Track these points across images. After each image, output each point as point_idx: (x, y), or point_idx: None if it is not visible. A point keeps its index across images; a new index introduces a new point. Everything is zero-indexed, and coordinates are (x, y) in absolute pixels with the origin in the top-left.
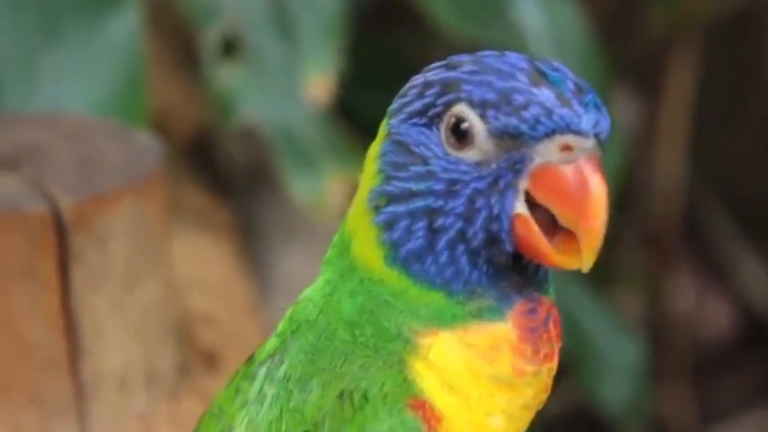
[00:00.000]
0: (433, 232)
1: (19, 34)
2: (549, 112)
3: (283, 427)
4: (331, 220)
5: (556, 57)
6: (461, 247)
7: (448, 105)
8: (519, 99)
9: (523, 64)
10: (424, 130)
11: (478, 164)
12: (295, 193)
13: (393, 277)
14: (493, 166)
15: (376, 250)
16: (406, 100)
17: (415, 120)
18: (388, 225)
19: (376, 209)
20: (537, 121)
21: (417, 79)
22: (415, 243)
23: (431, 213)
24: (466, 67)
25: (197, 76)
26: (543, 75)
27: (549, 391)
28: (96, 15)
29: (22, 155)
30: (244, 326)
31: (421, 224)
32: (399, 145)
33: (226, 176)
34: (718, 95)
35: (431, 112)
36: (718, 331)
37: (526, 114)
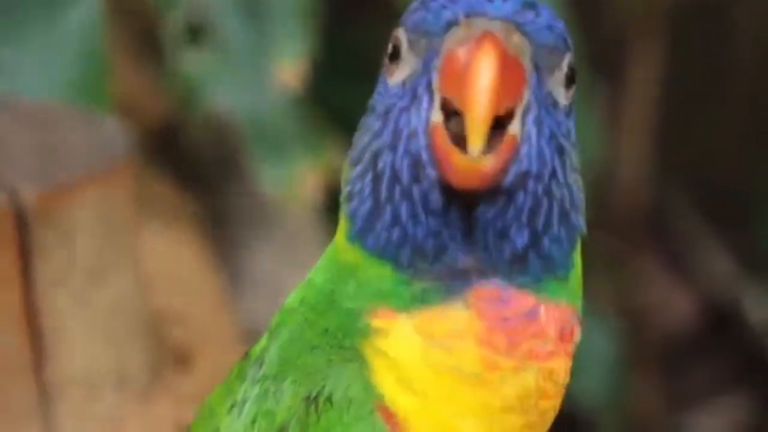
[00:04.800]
0: (376, 182)
1: None
2: (454, 1)
3: (256, 431)
4: (303, 210)
5: None
6: (397, 190)
7: (395, 31)
8: None
9: None
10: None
11: (404, 83)
12: (265, 182)
13: (351, 252)
14: (414, 77)
15: (343, 225)
16: None
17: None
18: (349, 193)
19: (344, 184)
20: (442, 7)
21: None
22: (366, 205)
23: (373, 155)
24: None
25: (163, 65)
26: None
27: (556, 400)
28: (55, 2)
29: None
30: (215, 323)
31: (369, 177)
32: (378, 86)
33: (193, 168)
34: (684, 85)
35: (390, 44)
36: (683, 321)
37: (432, 3)
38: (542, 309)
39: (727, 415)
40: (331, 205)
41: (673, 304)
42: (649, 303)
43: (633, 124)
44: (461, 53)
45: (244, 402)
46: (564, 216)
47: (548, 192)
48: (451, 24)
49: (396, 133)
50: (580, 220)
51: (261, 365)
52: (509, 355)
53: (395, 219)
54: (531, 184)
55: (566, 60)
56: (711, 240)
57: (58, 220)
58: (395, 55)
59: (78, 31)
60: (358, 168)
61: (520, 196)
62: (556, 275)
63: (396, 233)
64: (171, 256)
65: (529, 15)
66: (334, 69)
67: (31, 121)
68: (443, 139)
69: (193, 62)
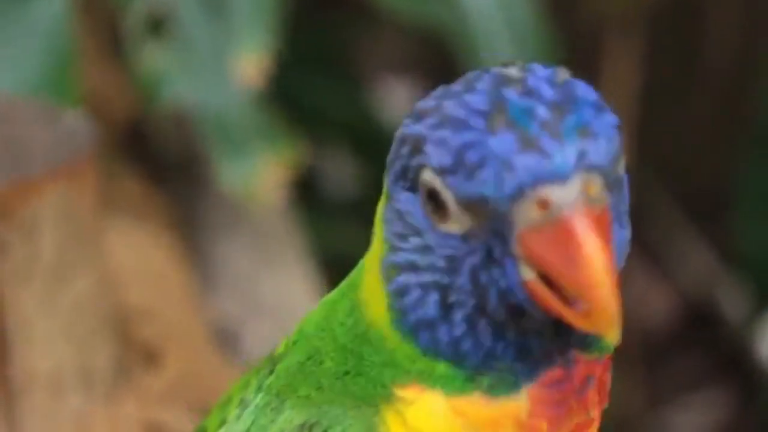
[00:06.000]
0: (447, 307)
1: None
2: (508, 166)
3: None
4: (265, 208)
5: (506, 38)
6: (482, 322)
7: (418, 171)
8: (473, 157)
9: (482, 103)
10: (410, 196)
11: (464, 237)
12: (225, 179)
13: (394, 340)
14: (480, 236)
15: (386, 314)
16: (390, 156)
17: (401, 183)
18: (400, 293)
19: (389, 279)
20: (498, 179)
21: (398, 131)
22: (427, 312)
23: (443, 288)
24: (429, 119)
25: (126, 60)
26: (504, 110)
27: None
28: None
29: None
30: (184, 319)
31: (435, 297)
32: (397, 213)
33: (162, 164)
34: (661, 82)
35: (410, 176)
36: (661, 317)
37: (483, 174)
38: (592, 379)
39: (706, 411)
40: (303, 200)
41: (652, 301)
42: (627, 299)
43: None
44: (551, 239)
45: (247, 404)
46: (627, 251)
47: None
48: (516, 197)
49: (479, 288)
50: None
51: (271, 372)
52: None
53: (471, 334)
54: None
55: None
56: (689, 236)
57: (20, 217)
58: (436, 202)
59: (45, 25)
60: (413, 279)
61: None
62: None
63: (467, 345)
64: (140, 253)
65: (590, 144)
66: (303, 66)
67: None
68: (549, 298)
69: (153, 57)
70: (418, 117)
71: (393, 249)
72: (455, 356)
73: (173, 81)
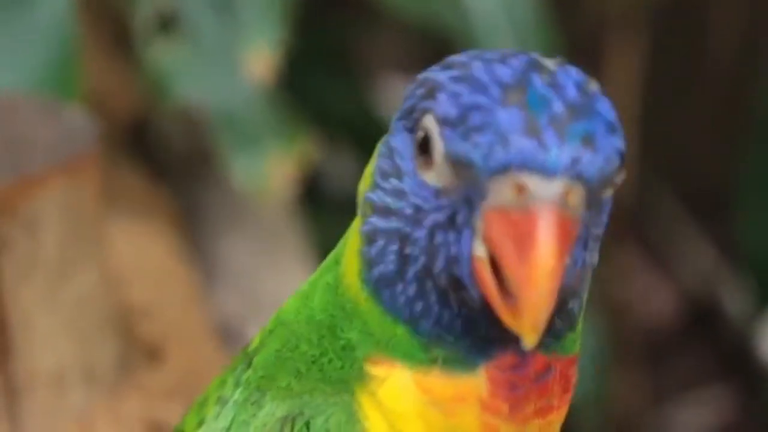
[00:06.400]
0: (403, 260)
1: None
2: (505, 141)
3: None
4: (278, 202)
5: (508, 37)
6: (429, 283)
7: (423, 113)
8: (476, 119)
9: (508, 77)
10: (406, 136)
11: (438, 191)
12: (235, 175)
13: (361, 294)
14: (452, 196)
15: (356, 260)
16: (405, 93)
17: (403, 121)
18: (369, 238)
19: (364, 216)
20: (490, 149)
21: (421, 74)
22: (387, 266)
23: (402, 238)
24: (453, 71)
25: (134, 58)
26: (524, 91)
27: None
28: None
29: None
30: (187, 317)
31: (394, 247)
32: (389, 149)
33: (166, 161)
34: (664, 80)
35: (414, 116)
36: (664, 315)
37: (479, 139)
38: (552, 370)
39: (708, 408)
40: (305, 198)
41: (654, 299)
42: (630, 297)
43: None
44: (514, 224)
45: (226, 401)
46: (588, 276)
47: (582, 278)
48: (499, 172)
49: (432, 246)
50: (597, 258)
51: (248, 366)
52: (510, 419)
53: (421, 296)
54: (567, 289)
55: (620, 175)
56: (691, 235)
57: (22, 213)
58: (426, 148)
59: (48, 21)
60: (382, 223)
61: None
62: (573, 327)
63: (419, 307)
64: (143, 250)
65: (587, 155)
66: (304, 65)
67: None
68: (486, 281)
69: (163, 53)
70: (445, 66)
71: (373, 185)
72: (411, 319)
73: (183, 78)
